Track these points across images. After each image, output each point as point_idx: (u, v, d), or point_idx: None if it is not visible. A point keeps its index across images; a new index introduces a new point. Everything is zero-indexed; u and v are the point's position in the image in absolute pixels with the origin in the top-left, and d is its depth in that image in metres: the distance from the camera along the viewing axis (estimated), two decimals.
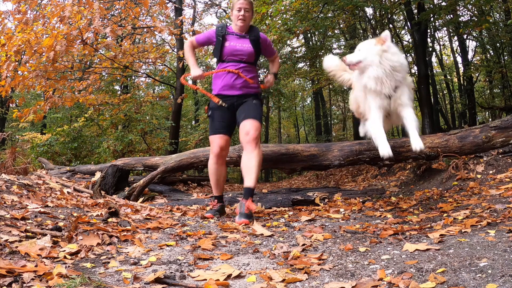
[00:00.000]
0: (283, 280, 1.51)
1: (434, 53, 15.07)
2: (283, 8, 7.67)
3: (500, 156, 3.94)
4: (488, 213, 2.48)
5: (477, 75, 14.14)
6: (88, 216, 2.67)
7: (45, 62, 7.55)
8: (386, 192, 4.55)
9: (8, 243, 1.78)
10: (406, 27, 12.24)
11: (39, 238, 1.95)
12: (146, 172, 5.37)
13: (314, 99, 19.19)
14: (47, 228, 2.22)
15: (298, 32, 8.40)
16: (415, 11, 8.84)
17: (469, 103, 12.28)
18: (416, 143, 2.73)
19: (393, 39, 12.94)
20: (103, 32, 7.55)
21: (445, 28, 13.40)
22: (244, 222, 2.79)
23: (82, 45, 7.45)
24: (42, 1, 9.72)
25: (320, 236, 2.28)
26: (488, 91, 14.86)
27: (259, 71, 15.76)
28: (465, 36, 12.76)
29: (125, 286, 1.47)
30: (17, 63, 7.58)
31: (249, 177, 3.05)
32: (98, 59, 10.01)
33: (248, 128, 3.16)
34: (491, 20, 9.73)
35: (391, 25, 12.18)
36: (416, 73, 10.19)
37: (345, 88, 18.11)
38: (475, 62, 14.16)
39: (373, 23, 11.67)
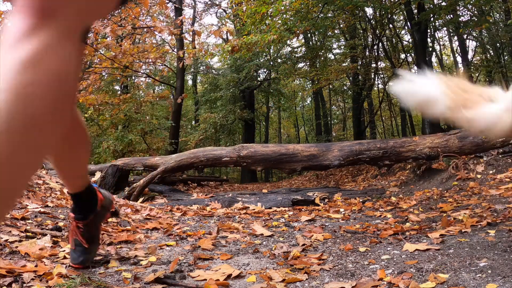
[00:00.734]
0: (283, 280, 1.51)
1: (434, 53, 15.09)
2: (283, 8, 7.68)
3: (500, 156, 3.94)
4: (488, 213, 2.49)
5: (477, 75, 14.15)
6: None
7: None
8: (386, 192, 4.55)
9: (8, 243, 1.78)
10: (406, 27, 12.24)
11: (39, 238, 1.95)
12: (146, 172, 5.37)
13: (314, 99, 19.21)
14: (47, 228, 2.22)
15: (298, 32, 8.41)
16: (415, 11, 8.85)
17: None
18: None
19: (393, 39, 12.98)
20: (103, 32, 7.55)
21: (445, 28, 13.42)
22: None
23: None
24: None
25: (320, 236, 2.28)
26: None
27: (259, 71, 15.78)
28: (465, 36, 12.78)
29: (125, 286, 1.47)
30: None
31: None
32: (98, 59, 10.02)
33: None
34: (491, 20, 9.74)
35: (391, 25, 12.19)
36: (416, 73, 10.19)
37: (345, 88, 18.08)
38: (475, 62, 14.17)
39: (373, 23, 11.68)
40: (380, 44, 12.00)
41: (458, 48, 13.85)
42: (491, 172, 3.78)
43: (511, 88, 1.42)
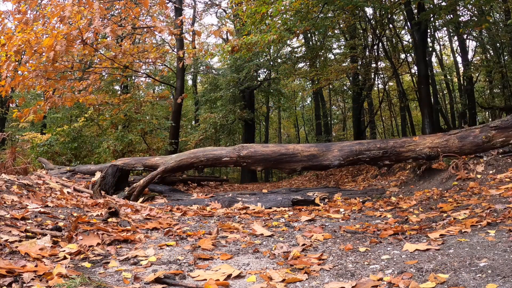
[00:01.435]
0: (283, 280, 1.51)
1: (434, 53, 15.09)
2: (283, 8, 7.67)
3: (500, 156, 3.94)
4: (488, 213, 2.48)
5: (477, 75, 14.15)
6: (88, 216, 2.67)
7: (45, 62, 7.55)
8: (386, 192, 4.55)
9: (8, 243, 1.78)
10: (406, 27, 12.24)
11: (39, 238, 1.95)
12: (146, 172, 5.37)
13: (314, 99, 19.20)
14: (47, 228, 2.22)
15: (298, 32, 8.40)
16: (415, 11, 8.85)
17: (469, 103, 12.29)
18: None
19: (393, 39, 12.98)
20: (103, 32, 7.55)
21: (445, 28, 13.41)
22: None
23: (82, 45, 7.45)
24: (42, 1, 9.72)
25: (320, 236, 2.28)
26: (488, 91, 14.88)
27: (259, 71, 15.78)
28: (465, 36, 12.77)
29: (125, 286, 1.47)
30: (17, 63, 7.58)
31: None
32: (98, 59, 10.01)
33: None
34: (491, 20, 9.74)
35: (391, 25, 12.18)
36: (416, 73, 10.20)
37: (345, 88, 18.11)
38: (475, 62, 14.17)
39: (373, 23, 11.67)
40: (380, 44, 12.00)
41: (458, 48, 13.85)
42: (491, 172, 3.77)
43: None
